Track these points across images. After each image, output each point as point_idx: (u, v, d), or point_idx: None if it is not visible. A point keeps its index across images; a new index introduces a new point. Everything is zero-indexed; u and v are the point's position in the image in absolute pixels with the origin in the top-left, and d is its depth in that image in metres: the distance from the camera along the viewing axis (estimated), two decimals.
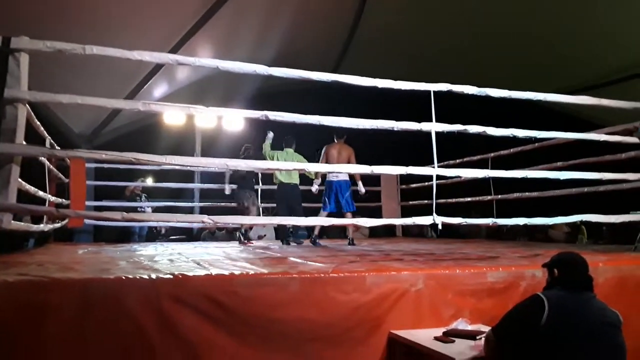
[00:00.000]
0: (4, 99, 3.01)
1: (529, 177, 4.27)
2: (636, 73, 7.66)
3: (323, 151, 6.32)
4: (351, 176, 6.28)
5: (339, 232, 8.75)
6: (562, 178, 4.32)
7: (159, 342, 2.45)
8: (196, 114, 3.77)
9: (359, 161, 5.71)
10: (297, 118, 3.66)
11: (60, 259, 3.82)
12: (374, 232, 8.51)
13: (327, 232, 8.57)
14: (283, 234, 6.70)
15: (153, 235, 8.72)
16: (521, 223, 4.08)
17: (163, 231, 9.10)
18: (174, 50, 7.50)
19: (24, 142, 3.23)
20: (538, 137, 4.35)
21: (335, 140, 6.28)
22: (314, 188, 6.46)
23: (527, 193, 6.24)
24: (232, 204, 7.57)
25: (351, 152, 6.18)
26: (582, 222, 4.91)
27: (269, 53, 8.74)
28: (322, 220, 3.84)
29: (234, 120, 9.33)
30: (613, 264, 3.49)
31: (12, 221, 3.19)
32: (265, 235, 8.47)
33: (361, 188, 6.27)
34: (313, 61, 9.12)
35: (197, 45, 7.96)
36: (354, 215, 6.05)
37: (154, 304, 2.48)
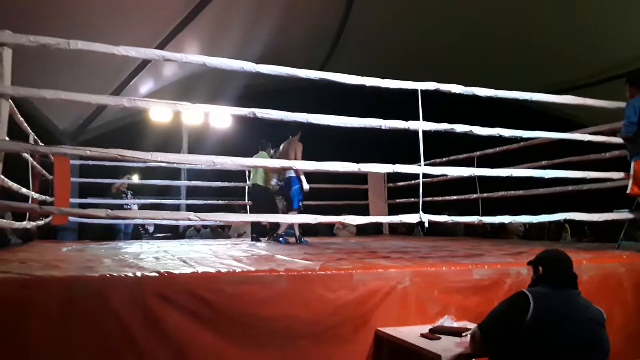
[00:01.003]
0: None
1: (514, 176, 4.30)
2: (619, 74, 7.76)
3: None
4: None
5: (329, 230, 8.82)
6: (546, 177, 4.36)
7: (144, 341, 2.43)
8: (183, 111, 3.74)
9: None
10: (285, 116, 3.65)
11: (44, 257, 3.77)
12: (362, 230, 8.54)
13: (317, 230, 8.60)
14: (257, 231, 6.80)
15: (139, 233, 8.63)
16: (507, 221, 4.12)
17: (152, 230, 8.99)
18: (161, 47, 7.44)
19: (7, 138, 3.17)
20: (524, 137, 4.38)
21: (291, 137, 6.25)
22: (273, 182, 6.57)
23: (512, 192, 6.30)
24: (219, 201, 7.58)
25: (294, 148, 6.08)
26: (566, 221, 4.97)
27: (257, 50, 8.72)
28: (308, 218, 3.83)
29: (221, 117, 9.29)
30: (597, 261, 3.53)
31: None
32: (245, 232, 8.44)
33: (305, 185, 6.12)
34: (301, 59, 9.12)
35: (185, 42, 7.91)
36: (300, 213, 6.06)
37: (139, 303, 2.45)
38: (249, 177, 6.80)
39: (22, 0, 5.40)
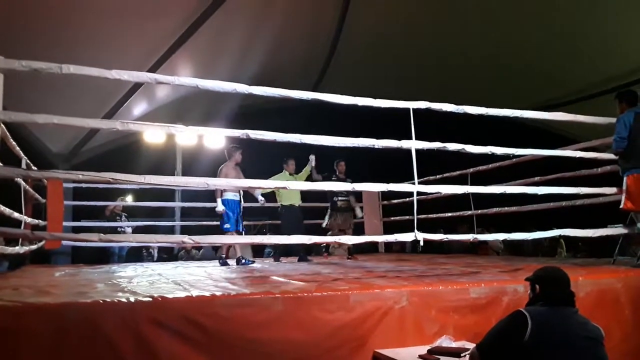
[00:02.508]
0: None
1: (507, 192, 4.32)
2: (609, 88, 7.88)
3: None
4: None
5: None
6: (539, 193, 4.38)
7: None
8: (176, 133, 3.74)
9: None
10: (279, 136, 3.66)
11: (36, 282, 3.72)
12: (357, 248, 8.49)
13: (311, 250, 8.56)
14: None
15: (142, 255, 8.50)
16: (501, 238, 4.12)
17: (155, 252, 8.76)
18: (154, 68, 7.48)
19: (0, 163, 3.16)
20: (516, 154, 4.41)
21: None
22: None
23: (506, 208, 6.31)
24: (213, 222, 7.51)
25: (223, 172, 5.95)
26: (560, 236, 4.97)
27: (251, 70, 8.79)
28: (304, 239, 3.83)
29: (215, 138, 9.31)
30: (593, 277, 3.53)
31: None
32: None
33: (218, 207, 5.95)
34: (295, 77, 9.21)
35: (178, 63, 7.96)
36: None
37: (131, 328, 2.42)
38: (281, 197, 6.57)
39: (16, 30, 5.43)
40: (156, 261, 8.02)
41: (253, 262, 6.08)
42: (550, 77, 8.86)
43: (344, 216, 6.94)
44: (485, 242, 8.26)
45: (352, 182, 5.69)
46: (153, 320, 2.45)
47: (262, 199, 6.29)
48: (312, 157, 6.48)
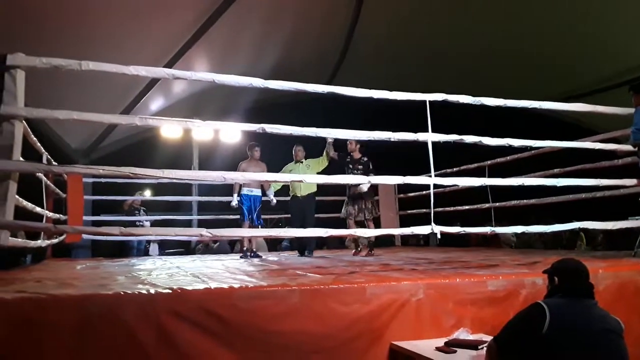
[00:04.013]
0: (0, 116, 3.01)
1: (525, 184, 4.28)
2: (629, 79, 7.72)
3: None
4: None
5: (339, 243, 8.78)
6: (559, 185, 4.33)
7: (157, 358, 2.43)
8: (194, 128, 3.77)
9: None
10: (294, 130, 3.67)
11: (58, 275, 3.80)
12: (373, 242, 8.49)
13: (326, 243, 8.58)
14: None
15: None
16: (519, 231, 4.09)
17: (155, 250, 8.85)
18: (171, 63, 7.53)
19: (21, 159, 3.22)
20: (534, 146, 4.36)
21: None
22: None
23: (524, 200, 6.25)
24: (230, 216, 7.58)
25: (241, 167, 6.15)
26: (580, 229, 4.92)
27: (267, 64, 8.79)
28: (322, 232, 3.84)
29: (231, 132, 9.36)
30: (613, 269, 3.48)
31: (10, 238, 3.17)
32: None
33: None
34: (310, 72, 9.20)
35: (194, 58, 7.99)
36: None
37: (152, 319, 2.46)
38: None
39: (36, 29, 5.50)
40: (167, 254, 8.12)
41: (260, 256, 6.13)
42: (564, 69, 8.72)
43: (357, 204, 6.09)
44: (497, 236, 8.18)
45: (369, 162, 5.70)
46: (173, 312, 2.50)
47: (274, 199, 6.32)
48: (330, 140, 6.01)
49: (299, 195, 6.29)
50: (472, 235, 5.93)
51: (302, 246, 6.49)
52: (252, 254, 6.13)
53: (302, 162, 6.31)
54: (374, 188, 7.13)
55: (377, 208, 6.19)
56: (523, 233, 4.28)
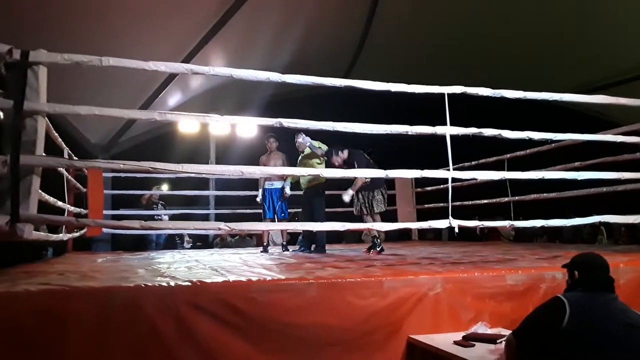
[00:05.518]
0: (23, 112, 3.06)
1: (546, 178, 4.22)
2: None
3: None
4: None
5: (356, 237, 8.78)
6: (579, 178, 4.26)
7: (177, 348, 2.47)
8: (211, 122, 3.79)
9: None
10: (311, 124, 3.66)
11: (80, 267, 3.87)
12: (390, 236, 8.47)
13: (344, 237, 8.58)
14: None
15: (174, 243, 8.71)
16: (538, 225, 4.04)
17: (187, 240, 8.87)
18: (188, 59, 7.59)
19: (44, 154, 3.28)
20: (554, 139, 4.30)
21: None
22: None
23: (544, 194, 6.16)
24: (247, 210, 7.62)
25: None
26: (601, 223, 4.84)
27: (283, 58, 8.80)
28: (337, 225, 3.83)
29: (247, 127, 9.40)
30: (634, 264, 3.43)
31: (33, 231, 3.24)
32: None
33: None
34: (326, 66, 9.18)
35: (211, 54, 8.04)
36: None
37: (172, 311, 2.50)
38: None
39: (55, 26, 5.58)
40: (190, 249, 8.18)
41: (266, 251, 6.14)
42: (583, 61, 8.56)
43: (360, 200, 5.65)
44: (496, 230, 8.08)
45: (353, 163, 5.45)
46: (192, 304, 2.53)
47: (288, 191, 6.26)
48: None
49: (304, 188, 6.22)
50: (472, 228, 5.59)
51: (310, 241, 6.21)
52: (284, 248, 6.37)
53: (302, 153, 6.22)
54: (389, 182, 7.00)
55: (384, 203, 5.82)
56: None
